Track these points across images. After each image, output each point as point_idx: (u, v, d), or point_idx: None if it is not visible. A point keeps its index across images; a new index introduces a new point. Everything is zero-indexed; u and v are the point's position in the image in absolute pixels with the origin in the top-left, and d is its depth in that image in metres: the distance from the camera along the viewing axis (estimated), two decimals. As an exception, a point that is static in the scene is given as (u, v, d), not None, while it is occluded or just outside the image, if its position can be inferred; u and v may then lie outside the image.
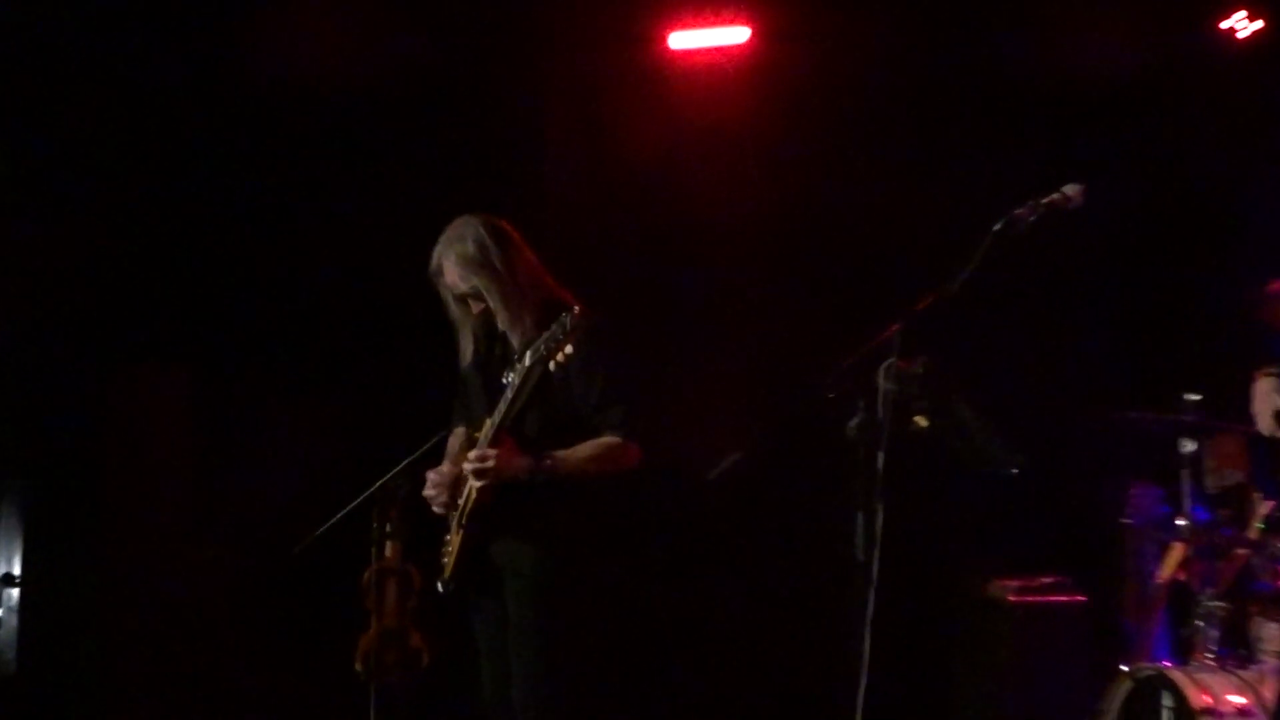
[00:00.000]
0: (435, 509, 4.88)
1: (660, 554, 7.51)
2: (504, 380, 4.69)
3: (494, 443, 4.65)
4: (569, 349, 4.42)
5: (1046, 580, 6.72)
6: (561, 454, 4.66)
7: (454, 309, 4.84)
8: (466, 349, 4.89)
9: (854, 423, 4.02)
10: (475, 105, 7.64)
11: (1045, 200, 4.15)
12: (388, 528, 6.47)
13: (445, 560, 4.79)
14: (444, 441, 5.10)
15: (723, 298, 7.57)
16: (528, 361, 4.54)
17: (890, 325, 4.04)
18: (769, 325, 7.37)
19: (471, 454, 4.66)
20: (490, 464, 4.61)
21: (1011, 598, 6.71)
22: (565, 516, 4.70)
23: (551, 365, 4.48)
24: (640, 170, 7.53)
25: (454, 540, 4.77)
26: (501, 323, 4.75)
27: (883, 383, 4.00)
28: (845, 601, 3.98)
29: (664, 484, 6.82)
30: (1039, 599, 6.70)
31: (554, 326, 4.46)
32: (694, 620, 7.65)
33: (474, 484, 4.68)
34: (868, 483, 3.95)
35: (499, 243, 4.72)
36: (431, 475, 4.90)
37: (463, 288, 4.74)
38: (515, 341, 4.74)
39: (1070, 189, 4.19)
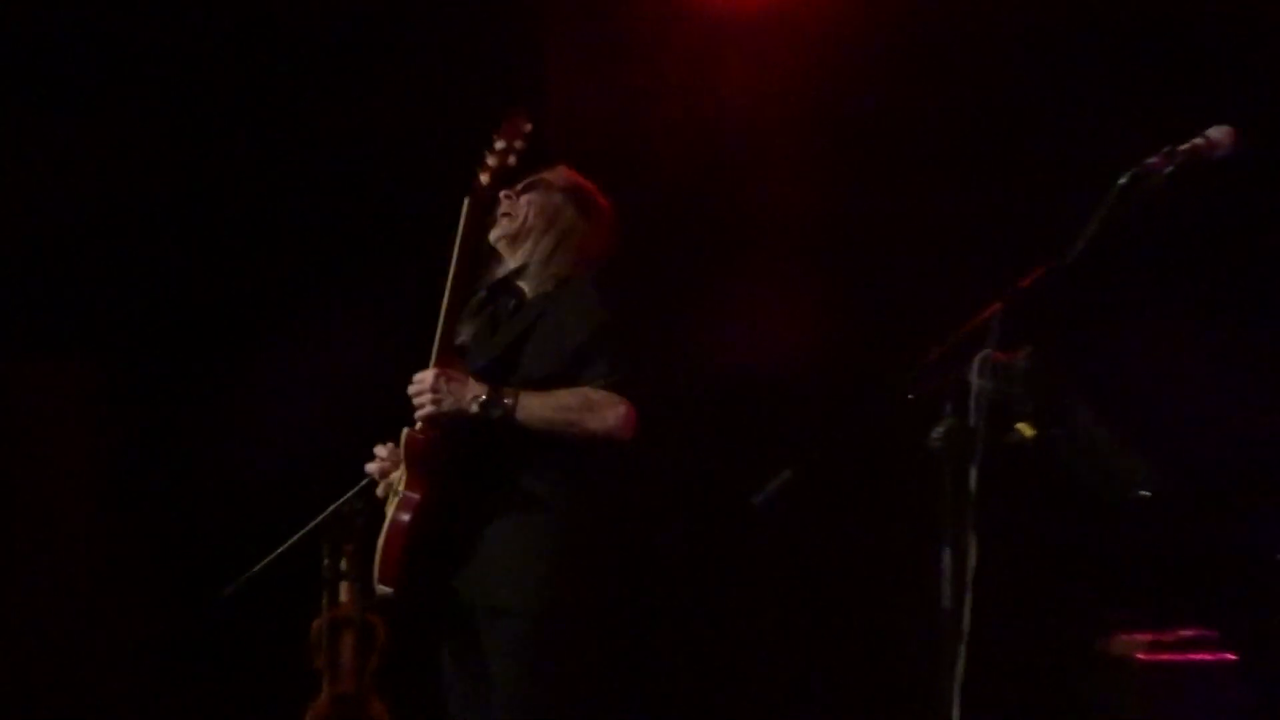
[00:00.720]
0: (379, 492, 4.95)
1: (694, 601, 7.51)
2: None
3: (440, 364, 4.73)
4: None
5: (1186, 634, 6.71)
6: (527, 392, 4.72)
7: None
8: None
9: (939, 432, 4.01)
10: (461, 34, 7.70)
11: (1184, 147, 4.15)
12: (343, 565, 6.47)
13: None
14: None
15: (765, 276, 7.54)
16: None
17: (987, 306, 4.03)
18: (827, 309, 7.34)
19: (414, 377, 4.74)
20: (428, 383, 4.69)
21: (1141, 656, 6.68)
22: (567, 533, 4.70)
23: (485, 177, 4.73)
24: (665, 124, 7.60)
25: (386, 520, 4.76)
26: (520, 248, 4.95)
27: (977, 380, 3.99)
28: (929, 660, 4.00)
29: (697, 512, 7.12)
30: (1176, 657, 6.67)
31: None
32: (735, 684, 7.64)
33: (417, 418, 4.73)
34: (957, 509, 3.95)
35: (595, 209, 5.04)
36: (381, 450, 4.97)
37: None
38: (518, 275, 4.93)
39: (1216, 132, 4.18)
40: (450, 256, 4.80)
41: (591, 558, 4.76)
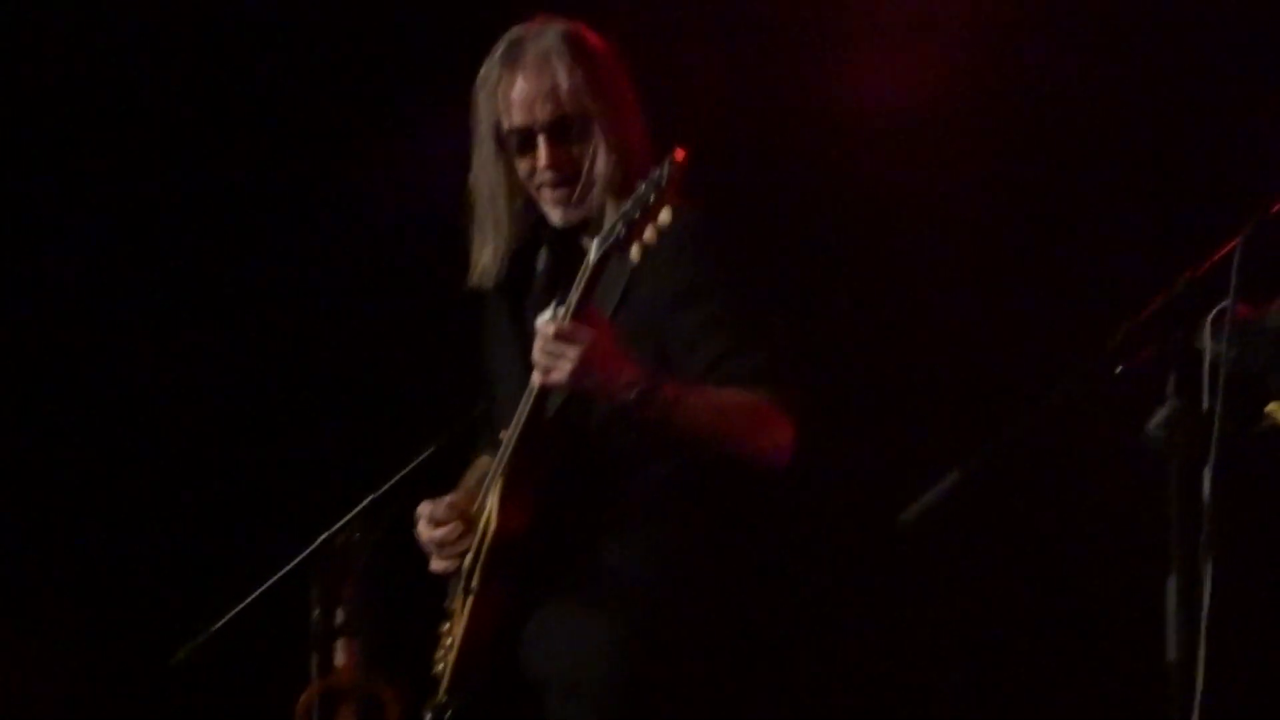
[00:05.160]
0: (435, 564, 4.58)
1: (836, 649, 7.09)
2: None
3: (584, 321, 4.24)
4: (663, 218, 4.08)
5: None
6: (687, 385, 4.25)
7: (490, 174, 4.54)
8: (484, 256, 4.59)
9: (1159, 418, 3.82)
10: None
11: None
12: (339, 616, 6.13)
13: (440, 661, 4.48)
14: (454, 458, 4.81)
15: (919, 216, 7.18)
16: (593, 255, 4.23)
17: (1221, 243, 3.77)
18: (998, 256, 7.03)
19: (545, 328, 4.22)
20: (578, 345, 4.15)
21: None
22: (669, 581, 4.36)
23: (635, 251, 4.15)
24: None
25: (458, 619, 4.44)
26: (597, 194, 4.51)
27: (1211, 345, 3.79)
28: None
29: (833, 533, 6.83)
30: None
31: (641, 186, 4.12)
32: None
33: (538, 381, 4.26)
34: (1186, 525, 3.77)
35: (616, 66, 4.57)
36: (429, 507, 4.58)
37: (563, 111, 4.45)
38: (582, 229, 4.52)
39: None
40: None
41: (703, 613, 4.38)
